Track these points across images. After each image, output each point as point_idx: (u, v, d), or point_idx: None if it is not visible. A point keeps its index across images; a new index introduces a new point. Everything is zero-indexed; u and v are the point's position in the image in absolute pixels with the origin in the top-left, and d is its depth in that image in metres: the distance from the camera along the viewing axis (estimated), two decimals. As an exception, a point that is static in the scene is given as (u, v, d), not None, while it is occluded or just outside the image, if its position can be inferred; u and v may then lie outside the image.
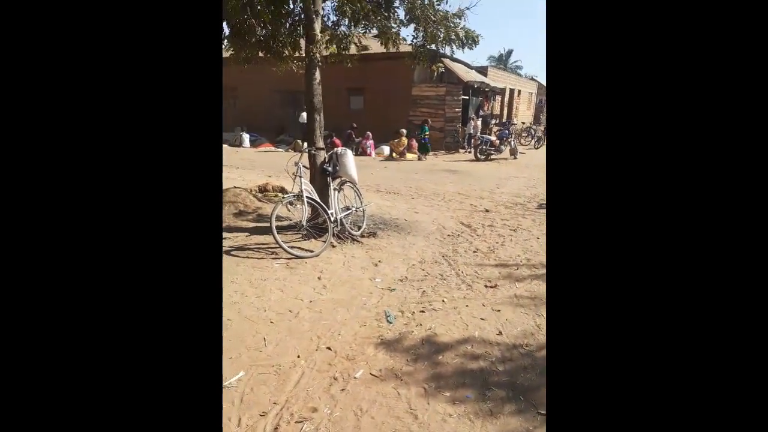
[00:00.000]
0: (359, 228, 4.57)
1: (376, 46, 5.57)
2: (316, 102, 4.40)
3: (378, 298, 3.04)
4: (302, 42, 4.69)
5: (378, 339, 2.48)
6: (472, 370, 2.20)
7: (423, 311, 2.84)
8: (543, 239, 4.48)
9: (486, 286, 3.29)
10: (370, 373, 2.15)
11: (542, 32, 1.12)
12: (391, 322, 2.68)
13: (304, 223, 4.09)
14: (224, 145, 13.85)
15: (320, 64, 4.39)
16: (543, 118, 21.54)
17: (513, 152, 12.15)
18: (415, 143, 12.13)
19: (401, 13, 4.73)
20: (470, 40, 4.69)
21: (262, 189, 6.33)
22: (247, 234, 4.36)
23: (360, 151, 12.10)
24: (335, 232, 4.23)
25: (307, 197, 4.01)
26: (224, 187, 5.89)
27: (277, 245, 3.74)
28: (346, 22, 4.78)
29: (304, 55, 4.46)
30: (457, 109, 13.62)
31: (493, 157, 11.72)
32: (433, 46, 4.81)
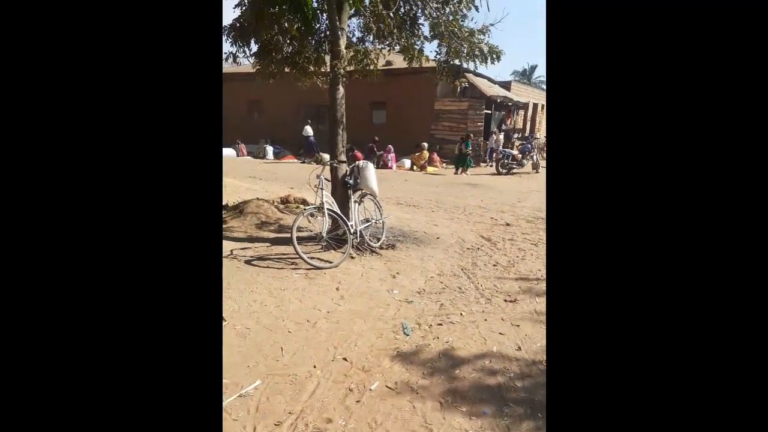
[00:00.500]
0: (378, 240, 4.59)
1: (399, 61, 5.67)
2: (339, 116, 4.48)
3: (395, 310, 3.04)
4: (327, 58, 4.80)
5: (394, 351, 2.48)
6: (490, 385, 2.16)
7: (441, 324, 2.82)
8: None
9: (505, 301, 3.24)
10: (386, 386, 2.14)
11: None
12: (408, 335, 2.67)
13: (324, 235, 4.14)
14: (248, 157, 14.19)
15: (344, 79, 4.48)
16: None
17: (535, 166, 12.03)
18: (436, 157, 12.15)
19: (426, 29, 4.82)
20: (493, 55, 4.71)
21: (284, 200, 6.45)
22: (268, 244, 4.43)
23: (381, 164, 12.20)
24: (354, 243, 4.26)
25: (327, 209, 4.06)
26: (247, 198, 6.03)
27: (297, 255, 3.79)
28: (371, 39, 4.89)
29: (328, 70, 4.57)
30: (479, 123, 13.61)
31: (514, 171, 11.63)
32: (457, 62, 4.86)
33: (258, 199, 5.91)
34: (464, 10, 4.54)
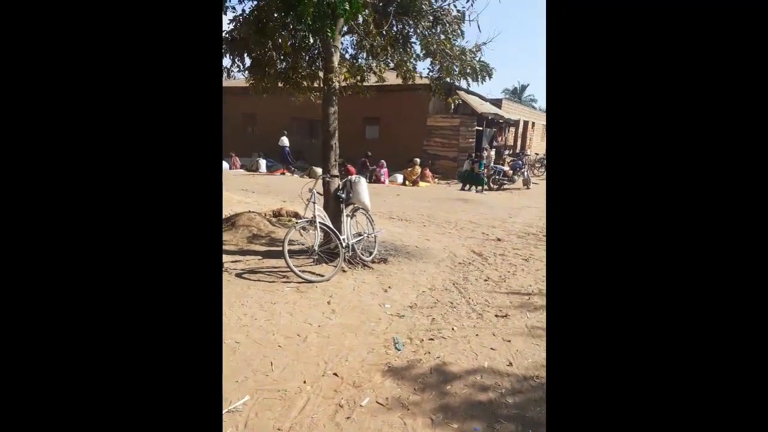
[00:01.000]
0: (370, 254, 4.59)
1: (392, 78, 5.74)
2: (332, 131, 4.52)
3: (387, 325, 3.03)
4: (320, 74, 4.86)
5: (385, 366, 2.46)
6: (481, 401, 2.15)
7: (432, 339, 2.81)
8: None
9: (497, 316, 3.24)
10: (377, 402, 2.12)
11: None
12: (399, 350, 2.66)
13: (316, 248, 4.13)
14: (241, 170, 14.16)
15: (337, 94, 4.53)
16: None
17: (526, 182, 12.17)
18: (429, 172, 12.23)
19: (417, 48, 4.90)
20: (484, 72, 4.81)
21: (276, 214, 6.43)
22: (259, 257, 4.40)
23: (374, 179, 12.25)
24: (346, 257, 4.25)
25: (319, 223, 4.06)
26: (239, 211, 6.00)
27: (289, 269, 3.77)
28: (364, 56, 4.96)
29: (322, 85, 4.62)
30: (471, 140, 13.77)
31: (506, 186, 11.75)
32: (449, 80, 4.94)
33: (250, 211, 5.89)
34: (458, 30, 4.63)
